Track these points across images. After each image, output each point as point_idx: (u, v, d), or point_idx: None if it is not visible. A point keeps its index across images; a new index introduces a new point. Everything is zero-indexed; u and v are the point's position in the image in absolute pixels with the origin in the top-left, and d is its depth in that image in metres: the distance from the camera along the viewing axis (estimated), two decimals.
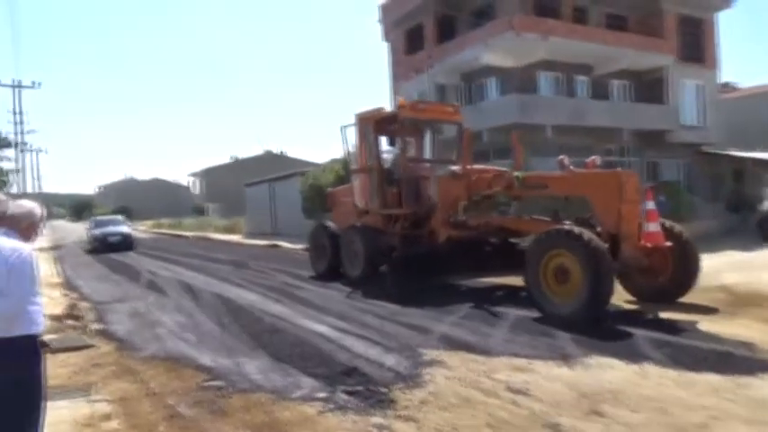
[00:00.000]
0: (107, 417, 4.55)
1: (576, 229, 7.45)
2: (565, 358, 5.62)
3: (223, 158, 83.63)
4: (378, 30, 27.33)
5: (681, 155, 24.32)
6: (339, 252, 11.84)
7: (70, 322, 8.23)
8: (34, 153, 46.05)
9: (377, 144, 11.77)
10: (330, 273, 12.06)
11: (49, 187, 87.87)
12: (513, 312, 7.87)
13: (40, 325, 3.13)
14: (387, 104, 25.02)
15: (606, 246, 7.30)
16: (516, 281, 9.31)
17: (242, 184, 37.56)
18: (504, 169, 10.34)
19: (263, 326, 7.67)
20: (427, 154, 12.81)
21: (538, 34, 19.90)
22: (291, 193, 26.72)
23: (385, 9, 26.47)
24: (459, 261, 10.32)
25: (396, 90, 25.61)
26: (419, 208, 11.09)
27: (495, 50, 20.68)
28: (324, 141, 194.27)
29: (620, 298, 8.37)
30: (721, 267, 11.11)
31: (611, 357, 5.58)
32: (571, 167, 9.10)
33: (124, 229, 25.68)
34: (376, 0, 26.80)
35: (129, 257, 20.31)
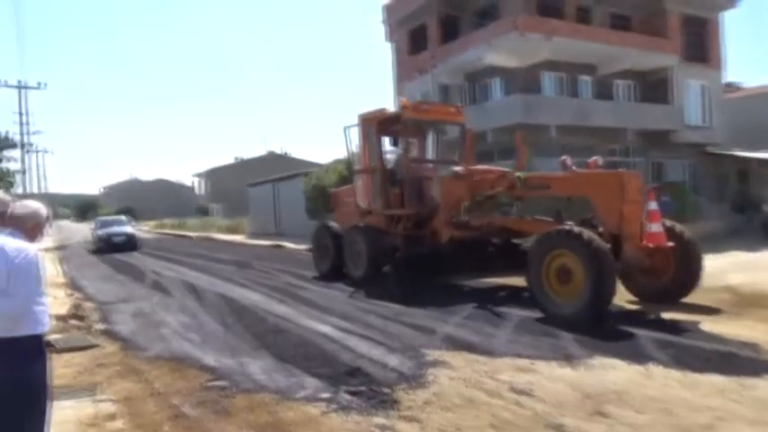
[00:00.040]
0: (112, 416, 4.56)
1: (578, 230, 7.45)
2: (568, 359, 5.61)
3: (227, 159, 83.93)
4: (381, 30, 27.37)
5: (686, 155, 24.24)
6: (342, 252, 11.85)
7: (75, 322, 8.25)
8: (39, 154, 46.22)
9: (380, 144, 11.78)
10: (333, 273, 12.07)
11: (54, 187, 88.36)
12: (516, 313, 7.87)
13: (46, 325, 3.14)
14: (391, 105, 25.06)
15: (608, 246, 7.30)
16: (519, 281, 9.31)
17: (245, 184, 37.62)
18: (506, 170, 10.34)
19: (267, 326, 7.69)
20: (430, 154, 12.82)
21: (541, 34, 19.87)
22: (295, 193, 26.75)
23: (389, 9, 26.47)
24: (462, 261, 10.32)
25: (399, 90, 25.61)
26: (422, 208, 11.09)
27: (499, 51, 20.65)
28: (327, 142, 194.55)
29: (623, 298, 8.35)
30: (726, 268, 11.07)
31: (614, 358, 5.57)
32: (573, 168, 9.10)
33: (128, 229, 25.76)
34: (381, 0, 26.84)
35: (134, 258, 20.37)
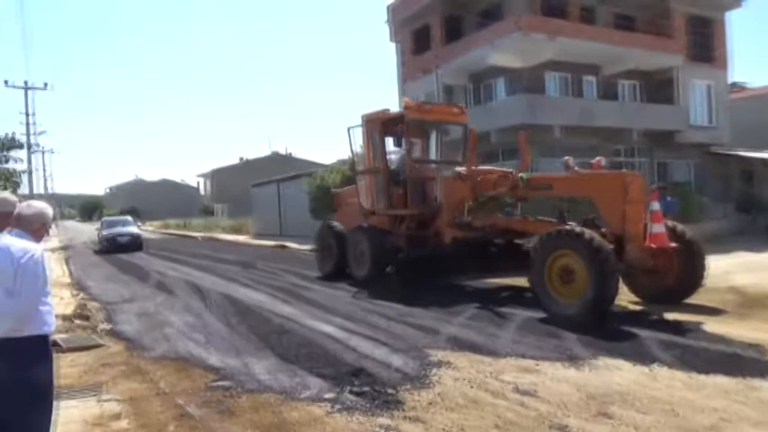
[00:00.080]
0: (117, 416, 4.58)
1: (581, 230, 7.46)
2: (572, 359, 5.60)
3: (231, 159, 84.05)
4: (386, 30, 27.37)
5: (691, 155, 24.14)
6: (345, 253, 11.86)
7: (80, 322, 8.29)
8: (45, 154, 46.41)
9: (383, 145, 11.80)
10: (336, 273, 12.09)
11: (60, 188, 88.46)
12: (520, 313, 7.87)
13: (51, 325, 3.16)
14: (395, 105, 25.02)
15: (611, 246, 7.29)
16: (521, 281, 9.30)
17: (250, 184, 37.68)
18: (509, 170, 10.35)
19: (272, 326, 7.71)
20: (433, 155, 12.82)
21: (545, 34, 19.82)
22: (299, 193, 26.79)
23: (393, 10, 26.48)
24: (465, 262, 10.33)
25: (403, 90, 25.61)
26: (425, 209, 11.10)
27: (503, 51, 20.62)
28: (332, 142, 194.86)
29: (626, 299, 8.35)
30: (731, 269, 11.04)
31: (619, 359, 5.56)
32: (576, 168, 9.09)
33: (133, 229, 25.85)
34: (386, 0, 26.83)
35: (138, 258, 20.43)
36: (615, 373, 5.16)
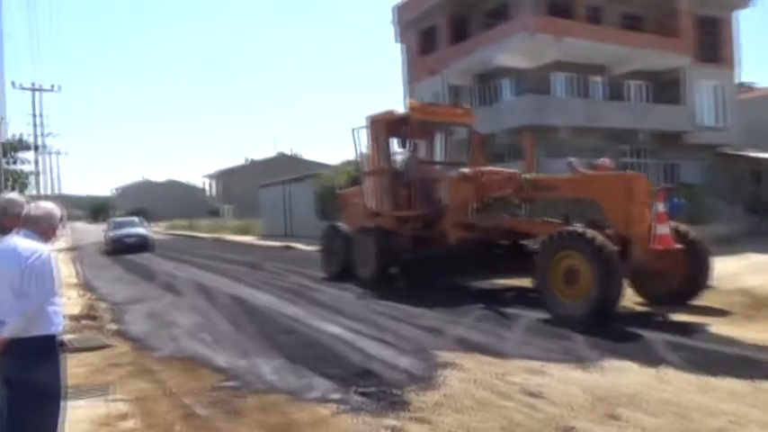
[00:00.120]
0: (124, 416, 4.60)
1: (585, 231, 7.44)
2: (580, 361, 5.58)
3: (238, 160, 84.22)
4: (392, 31, 27.39)
5: (699, 156, 24.01)
6: (351, 253, 11.88)
7: (88, 322, 8.34)
8: (54, 155, 46.56)
9: (388, 146, 11.81)
10: (342, 274, 12.10)
11: (68, 189, 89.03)
12: (526, 314, 7.85)
13: (59, 325, 3.17)
14: (401, 106, 25.03)
15: (616, 247, 7.27)
16: (526, 282, 9.29)
17: (256, 185, 37.78)
18: (514, 171, 10.34)
19: (278, 327, 7.72)
20: (438, 156, 12.83)
21: (552, 35, 19.78)
22: (305, 194, 26.84)
23: (399, 10, 26.49)
24: (470, 262, 10.31)
25: (410, 91, 25.62)
26: (430, 210, 11.10)
27: (509, 51, 20.59)
28: (338, 143, 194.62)
29: (632, 300, 8.31)
30: (740, 270, 10.96)
31: (626, 360, 5.53)
32: (580, 169, 9.07)
33: (141, 230, 25.93)
34: (392, 2, 26.85)
35: (146, 259, 20.52)
36: (623, 375, 5.14)
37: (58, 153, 46.75)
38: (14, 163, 24.85)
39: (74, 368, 5.84)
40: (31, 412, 3.04)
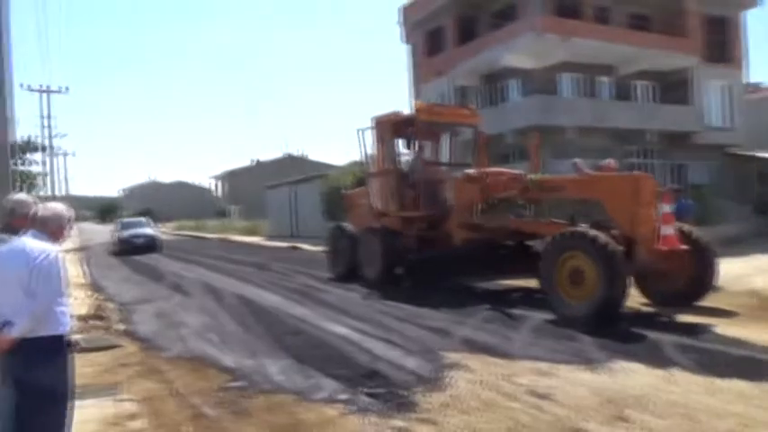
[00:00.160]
0: (132, 416, 4.62)
1: (590, 231, 7.45)
2: (588, 362, 5.56)
3: (244, 161, 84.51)
4: (398, 32, 27.39)
5: (708, 157, 23.87)
6: (357, 254, 11.89)
7: (96, 322, 8.38)
8: (62, 156, 46.81)
9: (394, 147, 11.82)
10: (348, 274, 12.12)
11: (77, 190, 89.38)
12: (532, 315, 7.83)
13: (67, 325, 3.20)
14: (407, 107, 25.04)
15: (621, 248, 7.25)
16: (532, 283, 9.27)
17: (263, 186, 37.87)
18: (519, 172, 10.32)
19: (286, 327, 7.74)
20: (444, 157, 12.82)
21: (559, 35, 19.73)
22: (312, 195, 26.88)
23: (406, 11, 26.50)
24: (475, 263, 10.31)
25: (416, 92, 25.62)
26: (435, 210, 11.10)
27: (517, 52, 20.55)
28: (345, 144, 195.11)
29: (637, 301, 8.29)
30: (749, 271, 10.89)
31: (634, 362, 5.51)
32: (585, 170, 9.05)
33: (149, 231, 26.02)
34: (398, 2, 26.87)
35: (154, 259, 20.61)
36: (631, 377, 5.12)
37: (66, 154, 46.96)
38: (23, 164, 25.00)
39: (82, 368, 5.85)
40: (39, 412, 3.06)
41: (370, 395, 4.83)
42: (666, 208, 7.66)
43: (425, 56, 25.59)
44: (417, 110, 11.64)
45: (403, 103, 32.14)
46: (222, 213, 63.42)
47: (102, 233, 40.55)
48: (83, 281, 14.09)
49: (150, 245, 24.38)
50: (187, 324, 8.27)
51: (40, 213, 3.28)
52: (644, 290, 8.38)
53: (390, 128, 11.69)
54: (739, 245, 14.54)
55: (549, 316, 7.63)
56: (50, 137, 38.05)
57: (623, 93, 23.02)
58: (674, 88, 23.59)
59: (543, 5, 20.76)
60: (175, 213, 72.52)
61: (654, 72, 23.13)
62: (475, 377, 5.23)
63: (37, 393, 3.03)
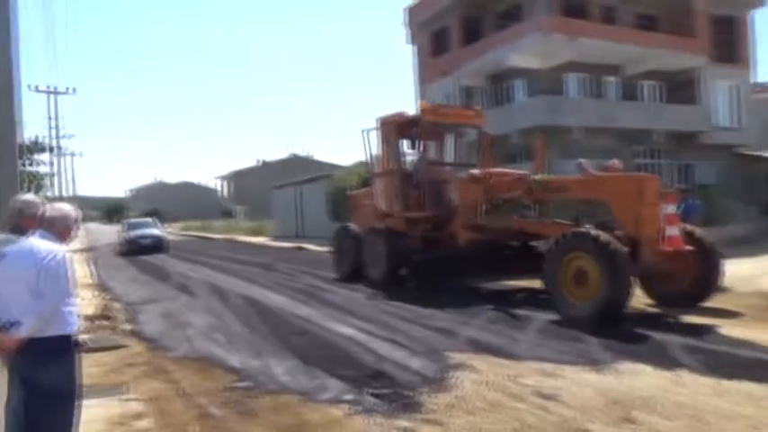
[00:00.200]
0: (139, 416, 4.64)
1: (594, 232, 7.42)
2: (594, 363, 5.54)
3: (250, 161, 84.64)
4: (404, 32, 27.39)
5: (715, 157, 23.74)
6: (362, 254, 11.90)
7: (103, 322, 8.42)
8: (69, 157, 47.02)
9: (399, 147, 11.82)
10: (352, 274, 12.13)
11: (83, 190, 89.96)
12: (537, 316, 7.82)
13: (74, 325, 3.21)
14: (413, 107, 25.02)
15: (625, 249, 7.23)
16: (536, 284, 9.24)
17: (269, 186, 37.94)
18: (523, 172, 10.30)
19: (291, 328, 7.75)
20: (449, 157, 12.81)
21: (566, 35, 19.67)
22: (317, 195, 26.91)
23: (411, 12, 26.49)
24: (479, 264, 10.30)
25: (422, 92, 25.59)
26: (440, 211, 11.09)
27: (522, 52, 20.50)
28: (351, 144, 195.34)
29: (642, 302, 8.25)
30: (755, 272, 10.82)
31: (641, 363, 5.48)
32: (590, 171, 9.02)
33: (156, 231, 26.08)
34: (404, 2, 26.86)
35: (160, 259, 20.68)
36: (637, 378, 5.09)
37: (73, 155, 47.15)
38: (31, 165, 25.14)
39: (89, 368, 5.88)
40: (46, 411, 3.07)
41: (375, 396, 4.83)
42: (671, 208, 7.63)
43: (431, 56, 25.57)
44: (422, 110, 11.65)
45: (409, 103, 32.10)
46: (228, 214, 63.57)
47: (109, 233, 40.72)
48: (90, 281, 14.16)
49: (157, 245, 24.42)
50: (193, 324, 8.29)
51: (47, 214, 3.30)
52: (649, 291, 8.35)
53: (395, 128, 11.69)
54: (747, 245, 14.44)
55: (553, 316, 7.62)
56: (58, 137, 38.32)
57: (630, 93, 22.92)
58: (681, 88, 23.48)
59: (549, 5, 20.70)
60: (181, 214, 72.76)
61: (661, 72, 23.02)
62: (480, 378, 5.22)
63: (44, 392, 3.04)
